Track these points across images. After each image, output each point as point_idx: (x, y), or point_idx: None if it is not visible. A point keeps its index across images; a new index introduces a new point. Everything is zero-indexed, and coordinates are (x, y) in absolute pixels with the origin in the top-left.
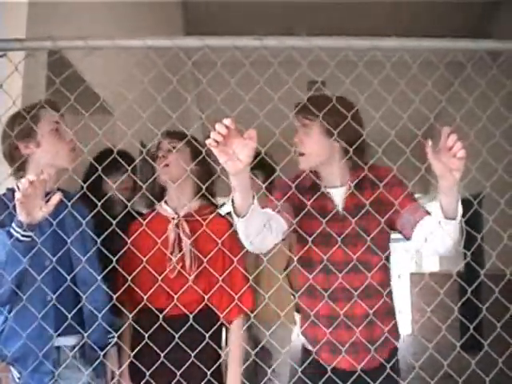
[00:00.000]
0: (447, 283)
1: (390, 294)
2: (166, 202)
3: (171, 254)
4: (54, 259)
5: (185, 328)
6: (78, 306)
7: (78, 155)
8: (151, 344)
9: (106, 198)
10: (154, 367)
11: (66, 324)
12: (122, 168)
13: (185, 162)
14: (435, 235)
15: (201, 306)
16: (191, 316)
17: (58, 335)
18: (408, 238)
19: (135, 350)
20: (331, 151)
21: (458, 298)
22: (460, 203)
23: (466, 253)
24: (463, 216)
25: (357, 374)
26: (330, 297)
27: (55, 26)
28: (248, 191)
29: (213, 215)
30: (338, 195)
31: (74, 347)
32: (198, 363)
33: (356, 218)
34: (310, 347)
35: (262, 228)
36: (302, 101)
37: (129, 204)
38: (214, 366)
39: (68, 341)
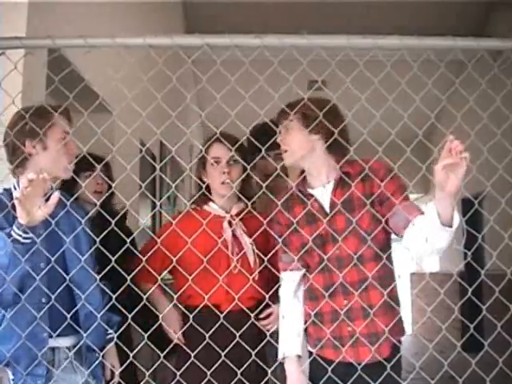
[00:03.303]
0: (448, 283)
1: (389, 287)
2: (212, 201)
3: (232, 251)
4: (54, 259)
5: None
6: (74, 309)
7: (71, 168)
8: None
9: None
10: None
11: (62, 325)
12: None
13: (240, 173)
14: (427, 237)
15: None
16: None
17: (54, 336)
18: (398, 236)
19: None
20: (311, 144)
21: (458, 298)
22: (456, 213)
23: (466, 253)
24: (464, 215)
25: (356, 367)
26: (329, 294)
27: (55, 27)
28: None
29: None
30: (324, 193)
31: (69, 348)
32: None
33: (331, 213)
34: (310, 348)
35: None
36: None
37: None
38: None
39: (64, 342)
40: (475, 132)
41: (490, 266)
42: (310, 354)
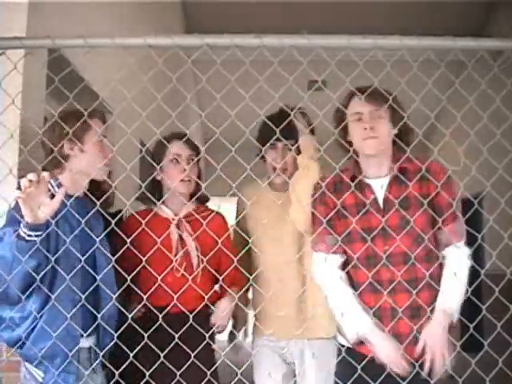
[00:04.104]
0: None
1: (436, 288)
2: (163, 203)
3: (175, 253)
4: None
5: (185, 325)
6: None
7: (107, 170)
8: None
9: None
10: (156, 365)
11: (88, 325)
12: None
13: (197, 173)
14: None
15: (203, 303)
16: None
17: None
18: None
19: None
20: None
21: None
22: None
23: None
24: (464, 215)
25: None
26: (375, 290)
27: (55, 27)
28: None
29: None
30: (380, 186)
31: (89, 348)
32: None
33: (391, 210)
34: (345, 343)
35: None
36: (362, 88)
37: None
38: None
39: (86, 342)
40: (475, 132)
41: (489, 266)
42: (342, 348)
